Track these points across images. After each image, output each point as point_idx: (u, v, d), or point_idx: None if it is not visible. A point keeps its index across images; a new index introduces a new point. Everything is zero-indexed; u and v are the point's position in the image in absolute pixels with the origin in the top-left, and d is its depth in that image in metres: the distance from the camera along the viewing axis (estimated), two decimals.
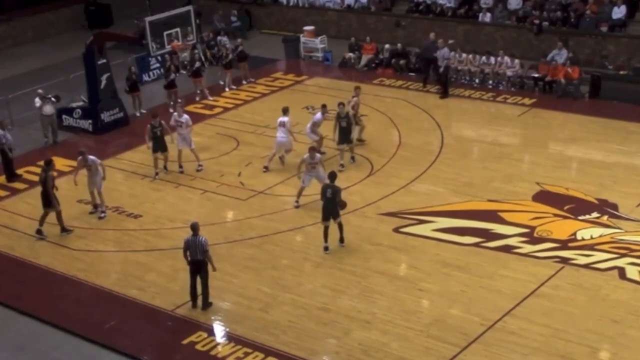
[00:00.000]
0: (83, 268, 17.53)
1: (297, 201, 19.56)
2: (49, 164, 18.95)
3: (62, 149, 24.18)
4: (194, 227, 15.34)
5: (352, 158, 21.48)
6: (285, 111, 21.42)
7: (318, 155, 19.40)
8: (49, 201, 18.67)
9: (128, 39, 28.47)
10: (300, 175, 19.30)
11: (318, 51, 31.40)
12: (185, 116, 22.00)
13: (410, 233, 18.07)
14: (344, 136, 21.22)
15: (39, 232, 18.90)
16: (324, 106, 22.23)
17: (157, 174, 21.49)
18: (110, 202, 20.34)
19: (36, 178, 21.96)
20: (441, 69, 26.36)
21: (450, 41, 27.36)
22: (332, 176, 17.40)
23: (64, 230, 18.98)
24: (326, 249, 17.43)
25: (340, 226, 17.50)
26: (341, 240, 17.61)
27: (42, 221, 18.87)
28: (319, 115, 21.87)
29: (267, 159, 21.58)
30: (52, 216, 18.84)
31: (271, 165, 21.51)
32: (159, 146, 21.36)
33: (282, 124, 21.18)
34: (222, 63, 28.66)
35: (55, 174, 19.53)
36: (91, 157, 19.65)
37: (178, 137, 21.79)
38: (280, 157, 21.59)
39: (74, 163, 22.63)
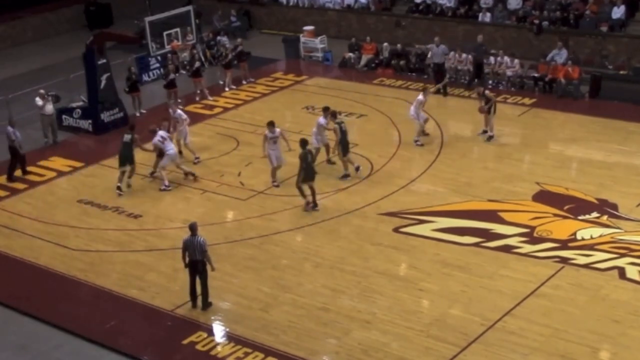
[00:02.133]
0: (83, 268, 17.53)
1: (274, 181, 20.37)
2: (133, 128, 21.10)
3: (62, 149, 24.21)
4: (193, 228, 15.34)
5: (357, 168, 20.85)
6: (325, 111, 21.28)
7: (277, 129, 20.29)
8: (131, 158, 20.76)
9: (128, 39, 28.49)
10: (266, 154, 20.12)
11: (318, 51, 31.41)
12: (179, 111, 22.32)
13: (410, 233, 18.08)
14: (348, 146, 20.72)
15: (118, 187, 20.75)
16: (326, 109, 21.42)
17: (119, 187, 20.82)
18: (110, 202, 20.37)
19: (36, 178, 22.15)
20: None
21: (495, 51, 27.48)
22: (304, 142, 19.11)
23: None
24: (308, 204, 19.17)
25: (313, 190, 19.17)
26: (315, 204, 19.16)
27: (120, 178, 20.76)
28: (321, 119, 21.21)
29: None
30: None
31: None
32: (126, 159, 20.87)
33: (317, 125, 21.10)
34: (222, 63, 28.67)
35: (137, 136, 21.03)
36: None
37: (178, 134, 22.04)
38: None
39: (74, 163, 22.82)
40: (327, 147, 21.42)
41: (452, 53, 27.74)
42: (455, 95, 26.54)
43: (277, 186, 20.38)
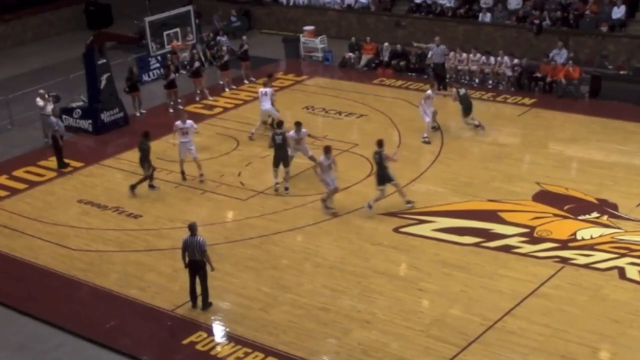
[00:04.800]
0: (83, 268, 17.53)
1: (331, 208, 19.19)
2: (146, 136, 20.71)
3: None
4: (192, 228, 15.34)
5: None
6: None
7: (304, 130, 20.39)
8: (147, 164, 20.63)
9: (128, 39, 28.47)
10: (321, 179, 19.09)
11: (318, 51, 31.42)
12: (189, 121, 21.21)
13: (410, 233, 18.08)
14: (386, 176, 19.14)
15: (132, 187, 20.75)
16: (298, 124, 20.54)
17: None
18: (110, 202, 20.37)
19: (37, 178, 22.16)
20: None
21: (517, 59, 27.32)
22: (280, 124, 20.46)
23: (133, 188, 20.65)
24: (277, 184, 20.13)
25: (287, 173, 20.09)
26: (286, 188, 20.04)
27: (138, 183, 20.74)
28: (292, 133, 20.53)
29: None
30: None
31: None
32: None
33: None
34: (217, 65, 28.63)
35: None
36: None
37: (180, 146, 21.10)
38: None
39: (74, 163, 22.77)
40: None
41: (452, 53, 27.76)
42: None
43: (335, 213, 19.08)
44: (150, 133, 20.82)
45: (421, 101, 23.12)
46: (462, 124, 23.83)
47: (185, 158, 21.16)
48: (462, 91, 23.46)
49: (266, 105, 23.49)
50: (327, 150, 18.94)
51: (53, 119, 23.02)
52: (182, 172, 21.25)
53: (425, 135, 22.81)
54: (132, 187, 20.64)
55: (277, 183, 20.32)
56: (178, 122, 21.21)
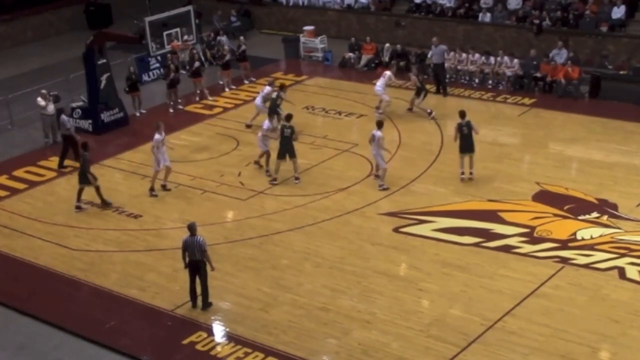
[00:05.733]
0: (83, 268, 17.53)
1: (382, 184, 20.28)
2: (85, 147, 20.19)
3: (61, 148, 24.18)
4: (192, 227, 15.33)
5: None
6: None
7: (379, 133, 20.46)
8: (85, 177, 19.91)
9: (128, 39, 28.46)
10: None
11: (318, 51, 31.42)
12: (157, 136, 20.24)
13: (410, 233, 18.08)
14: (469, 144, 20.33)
15: (77, 207, 20.12)
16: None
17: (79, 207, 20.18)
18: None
19: (37, 178, 22.15)
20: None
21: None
22: (289, 117, 20.79)
23: (104, 203, 20.06)
24: (275, 179, 20.52)
25: (295, 163, 20.50)
26: (296, 178, 20.48)
27: (78, 196, 20.12)
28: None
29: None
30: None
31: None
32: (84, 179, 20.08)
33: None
34: (219, 64, 28.64)
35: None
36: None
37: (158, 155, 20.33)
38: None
39: (74, 163, 22.72)
40: (267, 154, 21.13)
41: (452, 53, 27.75)
42: (455, 95, 26.55)
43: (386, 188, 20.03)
44: (88, 144, 20.36)
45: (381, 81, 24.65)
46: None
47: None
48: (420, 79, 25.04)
49: (257, 100, 24.13)
50: (380, 124, 20.44)
51: (65, 117, 23.02)
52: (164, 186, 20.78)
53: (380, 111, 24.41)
54: (103, 204, 20.03)
55: (274, 179, 20.69)
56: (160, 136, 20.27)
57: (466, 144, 20.19)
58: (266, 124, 21.17)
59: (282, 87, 24.20)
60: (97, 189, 20.00)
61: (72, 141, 22.79)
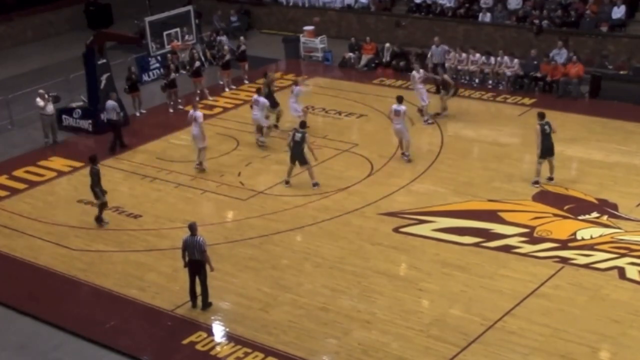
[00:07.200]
0: (83, 268, 17.53)
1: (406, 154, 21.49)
2: (94, 160, 19.22)
3: (62, 149, 24.20)
4: (192, 227, 15.33)
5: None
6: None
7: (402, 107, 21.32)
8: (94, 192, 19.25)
9: (128, 39, 28.48)
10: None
11: (318, 51, 31.42)
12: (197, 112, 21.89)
13: (410, 233, 18.08)
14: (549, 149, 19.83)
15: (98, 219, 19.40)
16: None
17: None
18: (110, 202, 20.26)
19: (37, 178, 22.15)
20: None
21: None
22: (303, 124, 20.93)
23: (100, 219, 19.25)
24: (287, 182, 20.46)
25: (309, 170, 20.25)
26: (314, 184, 20.28)
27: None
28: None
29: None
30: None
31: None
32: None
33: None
34: (219, 64, 28.64)
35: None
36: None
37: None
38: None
39: (74, 163, 22.79)
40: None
41: (452, 53, 27.75)
42: (456, 95, 26.49)
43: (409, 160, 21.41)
44: (97, 157, 19.46)
45: (416, 86, 24.05)
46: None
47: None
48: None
49: (291, 102, 23.82)
50: (400, 99, 21.38)
51: (112, 102, 23.38)
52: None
53: (425, 117, 24.00)
54: (98, 220, 19.32)
55: (287, 181, 20.50)
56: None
57: (548, 146, 19.50)
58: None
59: (266, 75, 24.91)
60: (102, 205, 19.23)
61: (117, 127, 23.28)
